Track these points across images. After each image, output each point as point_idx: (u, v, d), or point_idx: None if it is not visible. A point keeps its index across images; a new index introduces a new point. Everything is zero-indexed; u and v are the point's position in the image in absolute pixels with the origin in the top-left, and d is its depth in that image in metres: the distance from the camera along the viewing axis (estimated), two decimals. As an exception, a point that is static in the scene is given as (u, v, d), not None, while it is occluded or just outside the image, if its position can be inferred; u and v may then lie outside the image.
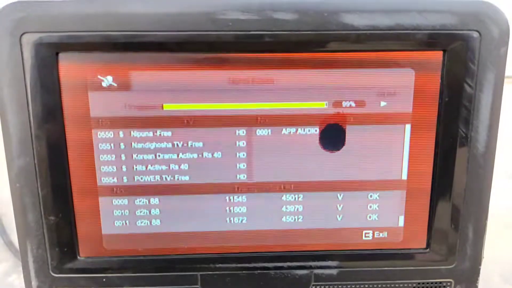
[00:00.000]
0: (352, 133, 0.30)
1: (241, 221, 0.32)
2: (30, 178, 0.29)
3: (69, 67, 0.28)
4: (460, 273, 0.33)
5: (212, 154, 0.30)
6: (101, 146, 0.30)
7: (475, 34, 0.28)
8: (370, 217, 0.32)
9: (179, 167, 0.30)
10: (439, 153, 0.30)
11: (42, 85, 0.28)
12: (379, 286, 0.33)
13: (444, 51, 0.29)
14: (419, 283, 0.33)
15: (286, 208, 0.32)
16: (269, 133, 0.30)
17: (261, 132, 0.30)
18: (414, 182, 0.31)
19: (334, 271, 0.32)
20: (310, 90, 0.29)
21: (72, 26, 0.27)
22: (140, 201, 0.31)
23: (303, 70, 0.29)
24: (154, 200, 0.31)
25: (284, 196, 0.31)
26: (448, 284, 0.33)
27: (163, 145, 0.30)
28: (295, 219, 0.32)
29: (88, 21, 0.27)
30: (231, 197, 0.31)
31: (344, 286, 0.33)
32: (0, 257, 0.48)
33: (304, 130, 0.30)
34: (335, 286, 0.33)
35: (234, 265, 0.32)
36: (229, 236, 0.32)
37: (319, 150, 0.31)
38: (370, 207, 0.32)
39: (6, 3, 0.27)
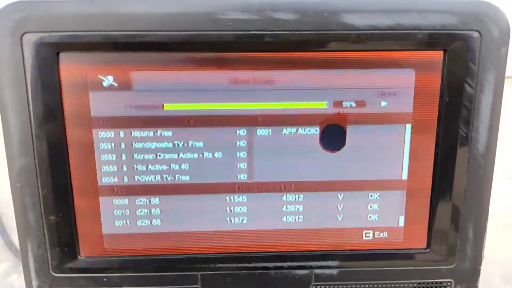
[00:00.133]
0: (352, 133, 0.30)
1: (242, 221, 0.32)
2: (31, 177, 0.29)
3: (70, 67, 0.28)
4: (460, 273, 0.33)
5: (213, 154, 0.30)
6: (101, 145, 0.30)
7: (476, 34, 0.28)
8: (370, 217, 0.32)
9: (179, 167, 0.30)
10: (440, 153, 0.30)
11: (43, 84, 0.28)
12: (380, 286, 0.33)
13: (445, 51, 0.29)
14: (419, 283, 0.33)
15: (286, 208, 0.32)
16: (270, 133, 0.30)
17: (262, 132, 0.30)
18: (414, 182, 0.31)
19: (334, 271, 0.32)
20: (310, 90, 0.29)
21: (73, 26, 0.27)
22: (140, 201, 0.31)
23: (303, 70, 0.29)
24: (155, 200, 0.31)
25: (285, 196, 0.31)
26: (448, 284, 0.33)
27: (164, 145, 0.30)
28: (295, 219, 0.32)
29: (89, 21, 0.27)
30: (232, 197, 0.31)
31: (345, 286, 0.33)
32: (0, 257, 0.48)
33: (304, 130, 0.30)
34: (336, 286, 0.33)
35: (234, 265, 0.32)
36: (230, 236, 0.32)
37: (319, 150, 0.31)
38: (371, 207, 0.32)
39: (7, 2, 0.27)
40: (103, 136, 0.30)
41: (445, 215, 0.31)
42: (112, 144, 0.30)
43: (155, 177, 0.31)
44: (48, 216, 0.30)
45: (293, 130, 0.30)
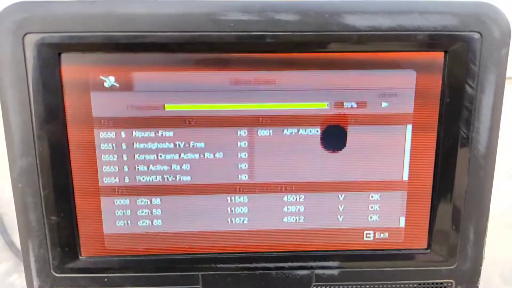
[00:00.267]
0: (353, 134, 0.30)
1: (243, 222, 0.32)
2: (32, 178, 0.29)
3: (71, 68, 0.28)
4: (461, 274, 0.33)
5: (214, 155, 0.30)
6: (103, 146, 0.30)
7: (476, 35, 0.28)
8: (371, 217, 0.32)
9: (180, 167, 0.31)
10: (440, 154, 0.30)
11: (44, 85, 0.28)
12: (380, 286, 0.33)
13: (446, 52, 0.29)
14: (420, 284, 0.33)
15: (287, 208, 0.32)
16: (271, 134, 0.30)
17: (263, 132, 0.30)
18: (415, 183, 0.31)
19: (335, 272, 0.32)
20: (311, 91, 0.29)
21: (75, 27, 0.27)
22: (141, 201, 0.31)
23: (304, 71, 0.29)
24: (156, 200, 0.31)
25: (286, 196, 0.31)
26: (449, 284, 0.33)
27: (165, 145, 0.30)
28: (296, 219, 0.32)
29: (90, 22, 0.27)
30: (233, 198, 0.31)
31: (345, 287, 0.33)
32: (1, 257, 0.48)
33: (305, 130, 0.30)
34: (336, 287, 0.33)
35: (235, 265, 0.32)
36: (231, 236, 0.32)
37: (320, 151, 0.31)
38: (371, 207, 0.32)
39: (8, 3, 0.27)
40: (104, 137, 0.30)
41: (446, 216, 0.31)
42: (114, 145, 0.30)
43: (156, 177, 0.31)
44: (49, 216, 0.30)
45: (294, 130, 0.30)
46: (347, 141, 0.30)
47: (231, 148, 0.30)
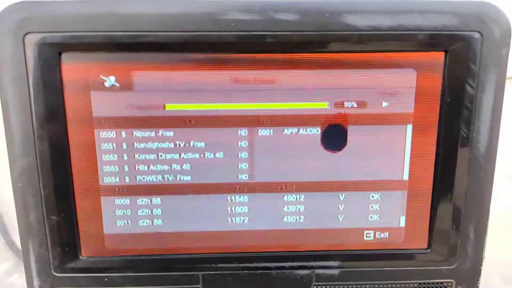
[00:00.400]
0: (353, 134, 0.30)
1: (243, 221, 0.32)
2: (33, 177, 0.29)
3: (72, 67, 0.28)
4: (461, 274, 0.33)
5: (214, 154, 0.30)
6: (103, 146, 0.30)
7: (477, 35, 0.28)
8: (371, 217, 0.32)
9: (181, 167, 0.31)
10: (441, 154, 0.30)
11: (45, 85, 0.28)
12: (380, 286, 0.33)
13: (446, 51, 0.29)
14: (420, 284, 0.33)
15: (287, 208, 0.32)
16: (271, 133, 0.30)
17: (263, 132, 0.30)
18: (415, 183, 0.31)
19: (335, 271, 0.32)
20: (312, 91, 0.29)
21: (75, 26, 0.27)
22: (142, 201, 0.31)
23: (305, 71, 0.29)
24: (156, 200, 0.31)
25: (286, 196, 0.31)
26: (449, 284, 0.33)
27: (165, 145, 0.30)
28: (296, 219, 0.32)
29: (91, 22, 0.27)
30: (233, 197, 0.31)
31: (346, 286, 0.33)
32: (1, 256, 0.48)
33: (306, 130, 0.30)
34: (337, 286, 0.33)
35: (235, 265, 0.32)
36: (231, 236, 0.32)
37: (320, 151, 0.31)
38: (372, 207, 0.32)
39: (9, 3, 0.27)
40: (104, 136, 0.30)
41: (446, 216, 0.31)
42: (114, 144, 0.30)
43: (157, 177, 0.31)
44: (49, 216, 0.30)
45: (295, 130, 0.30)
46: (348, 140, 0.30)
47: (232, 148, 0.30)
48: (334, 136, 0.30)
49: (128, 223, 0.31)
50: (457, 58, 0.29)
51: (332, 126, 0.30)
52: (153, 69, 0.29)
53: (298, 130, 0.30)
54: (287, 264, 0.32)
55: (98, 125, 0.29)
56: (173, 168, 0.31)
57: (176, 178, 0.31)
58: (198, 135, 0.30)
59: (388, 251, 0.33)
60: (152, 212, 0.31)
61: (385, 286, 0.33)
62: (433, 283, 0.33)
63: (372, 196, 0.32)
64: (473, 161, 0.30)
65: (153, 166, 0.30)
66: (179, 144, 0.30)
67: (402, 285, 0.33)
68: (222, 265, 0.32)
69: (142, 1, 0.28)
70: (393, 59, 0.29)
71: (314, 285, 0.33)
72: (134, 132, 0.30)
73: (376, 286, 0.33)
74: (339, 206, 0.32)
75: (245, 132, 0.30)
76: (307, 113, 0.30)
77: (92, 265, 0.32)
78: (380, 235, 0.33)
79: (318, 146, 0.30)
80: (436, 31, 0.28)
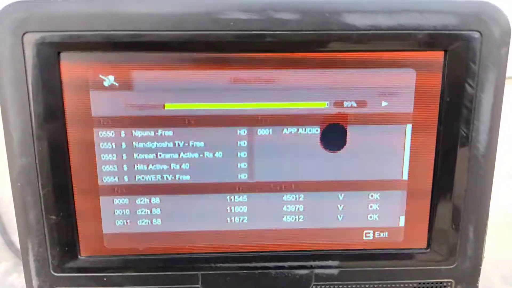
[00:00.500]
0: (353, 133, 0.30)
1: (242, 221, 0.32)
2: (32, 177, 0.29)
3: (71, 67, 0.28)
4: (460, 273, 0.33)
5: (213, 154, 0.30)
6: (102, 145, 0.30)
7: (476, 35, 0.28)
8: (370, 217, 0.32)
9: (180, 166, 0.31)
10: (440, 153, 0.30)
11: (44, 84, 0.28)
12: (380, 286, 0.33)
13: (445, 51, 0.29)
14: (419, 283, 0.33)
15: (287, 208, 0.32)
16: (270, 133, 0.30)
17: (262, 131, 0.30)
18: (415, 182, 0.31)
19: (334, 271, 0.32)
20: (311, 90, 0.29)
21: (74, 26, 0.27)
22: (141, 201, 0.31)
23: (304, 70, 0.29)
24: (155, 200, 0.31)
25: (285, 196, 0.31)
26: (449, 284, 0.33)
27: (164, 144, 0.30)
28: (295, 219, 0.32)
29: (90, 21, 0.27)
30: (232, 197, 0.31)
31: (345, 286, 0.33)
32: (0, 256, 0.48)
33: (305, 130, 0.30)
34: (336, 286, 0.33)
35: (234, 264, 0.32)
36: (230, 235, 0.32)
37: (320, 150, 0.31)
38: (371, 207, 0.32)
39: (8, 2, 0.27)
40: (103, 136, 0.30)
41: (446, 215, 0.31)
42: (113, 144, 0.30)
43: (156, 176, 0.31)
44: (48, 216, 0.30)
45: (294, 130, 0.30)
46: (347, 140, 0.30)
47: (231, 148, 0.30)
48: (334, 135, 0.30)
49: (127, 222, 0.31)
50: (456, 57, 0.29)
51: (331, 125, 0.30)
52: (152, 69, 0.29)
53: (298, 130, 0.30)
54: (286, 264, 0.32)
55: (97, 125, 0.29)
56: (172, 167, 0.30)
57: (175, 177, 0.31)
58: (197, 134, 0.30)
59: (387, 250, 0.33)
60: (151, 211, 0.31)
61: (384, 285, 0.33)
62: (432, 283, 0.33)
63: (372, 196, 0.32)
64: (472, 160, 0.30)
65: (152, 165, 0.30)
66: (178, 144, 0.30)
67: (402, 285, 0.33)
68: (221, 264, 0.32)
69: (141, 1, 0.28)
70: (392, 59, 0.29)
71: (314, 284, 0.33)
72: (133, 131, 0.30)
73: (376, 285, 0.33)
74: (339, 205, 0.32)
75: (244, 132, 0.30)
76: (307, 113, 0.30)
77: (91, 265, 0.32)
78: (380, 234, 0.33)
79: (317, 146, 0.30)
80: (436, 31, 0.28)
